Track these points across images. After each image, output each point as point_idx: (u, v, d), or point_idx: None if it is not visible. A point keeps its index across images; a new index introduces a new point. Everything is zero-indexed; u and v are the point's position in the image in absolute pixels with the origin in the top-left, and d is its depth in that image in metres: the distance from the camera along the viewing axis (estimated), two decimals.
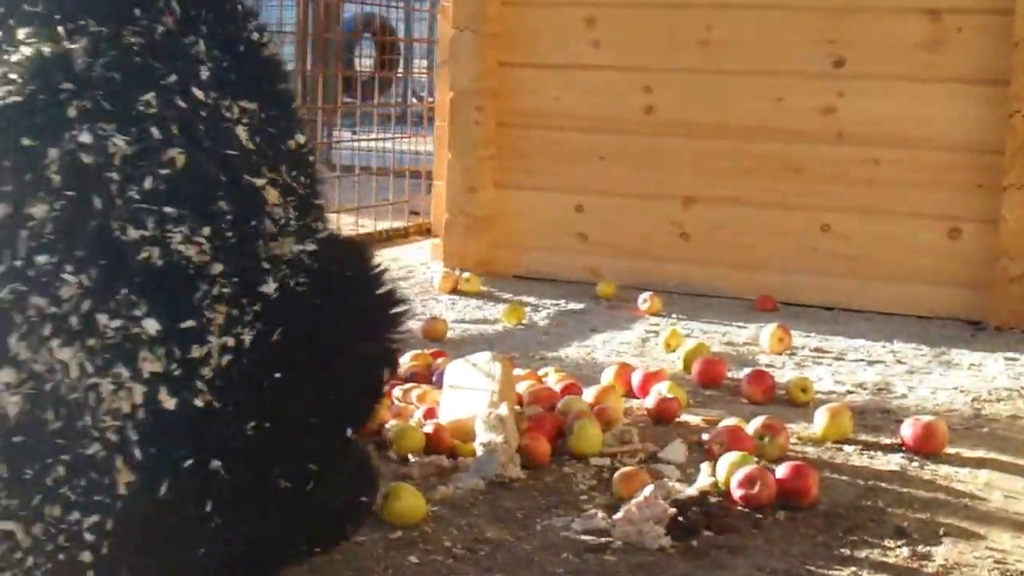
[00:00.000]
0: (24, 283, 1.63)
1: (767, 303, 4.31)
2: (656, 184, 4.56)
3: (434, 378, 3.13)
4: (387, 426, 2.77)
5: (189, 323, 1.69)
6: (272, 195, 1.85)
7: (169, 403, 1.66)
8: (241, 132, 1.87)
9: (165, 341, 1.67)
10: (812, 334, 3.95)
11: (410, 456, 2.65)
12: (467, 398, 2.78)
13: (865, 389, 3.38)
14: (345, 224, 4.82)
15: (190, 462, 1.68)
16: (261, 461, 1.77)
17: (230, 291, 1.73)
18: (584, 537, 2.29)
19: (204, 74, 1.87)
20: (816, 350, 3.79)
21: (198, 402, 1.69)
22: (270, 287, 1.77)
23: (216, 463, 1.70)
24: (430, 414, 2.85)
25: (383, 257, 5.01)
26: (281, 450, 1.78)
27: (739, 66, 4.44)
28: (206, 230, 1.73)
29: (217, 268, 1.72)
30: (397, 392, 3.03)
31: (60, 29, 1.82)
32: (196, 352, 1.69)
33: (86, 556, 1.65)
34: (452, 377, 2.86)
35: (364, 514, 2.20)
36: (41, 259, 1.64)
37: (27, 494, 1.62)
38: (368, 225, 5.01)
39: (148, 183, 1.71)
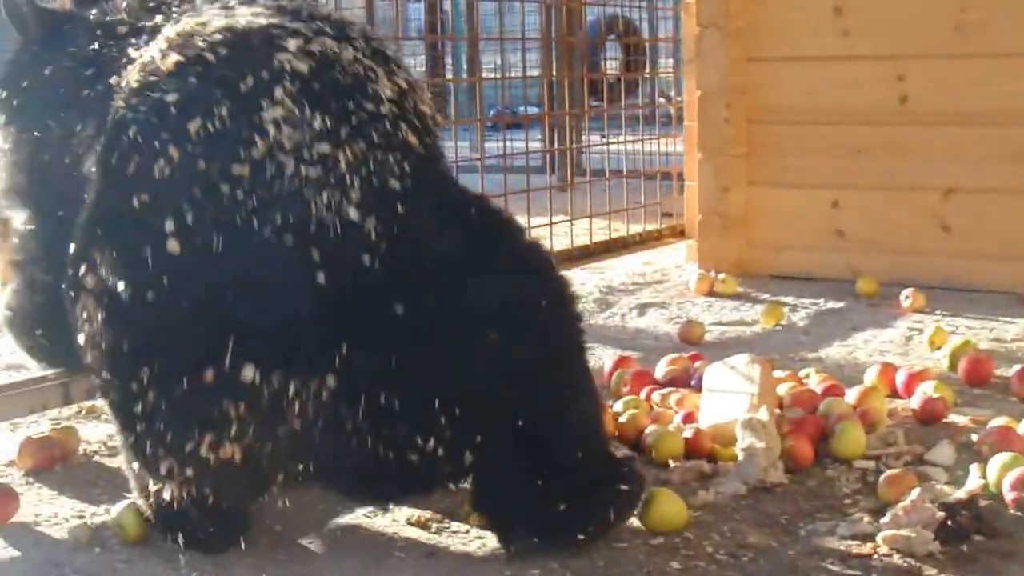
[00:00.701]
0: None
1: None
2: (914, 176, 4.43)
3: (692, 382, 3.13)
4: (646, 431, 2.78)
5: None
6: None
7: None
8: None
9: None
10: None
11: (670, 461, 2.66)
12: (726, 402, 2.77)
13: None
14: (597, 228, 4.84)
15: None
16: None
17: None
18: (849, 542, 2.26)
19: None
20: None
21: None
22: None
23: None
24: (689, 418, 2.85)
25: (638, 261, 5.02)
26: None
27: (996, 48, 4.27)
28: None
29: None
30: (656, 397, 3.04)
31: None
32: None
33: None
34: (711, 381, 2.86)
35: (629, 505, 2.25)
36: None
37: None
38: (620, 228, 5.02)
39: None
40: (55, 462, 2.77)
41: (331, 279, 2.05)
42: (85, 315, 2.15)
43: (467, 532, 2.37)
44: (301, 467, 2.14)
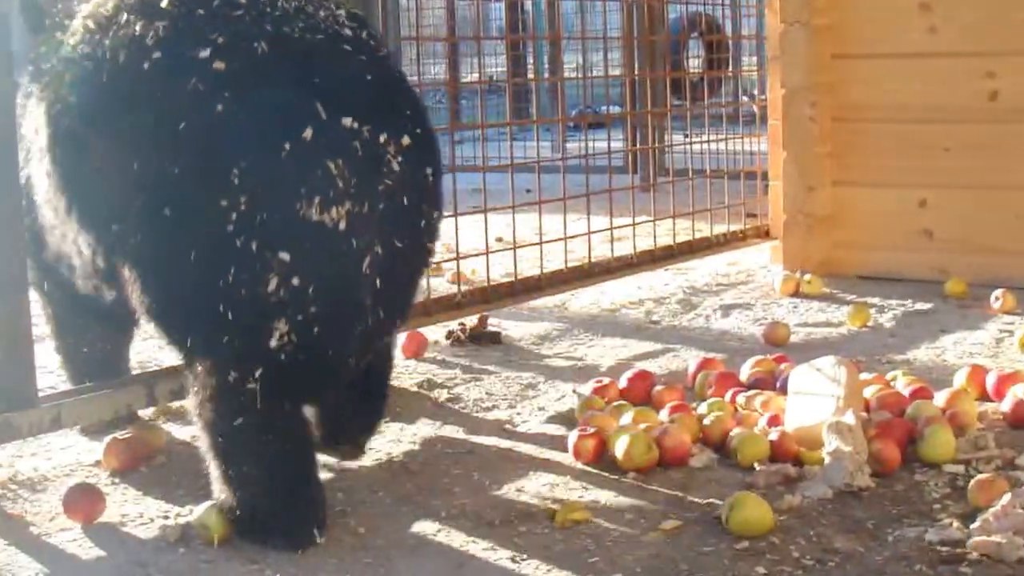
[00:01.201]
0: None
1: None
2: (1005, 174, 4.34)
3: (778, 384, 3.10)
4: (731, 434, 2.77)
5: None
6: None
7: None
8: None
9: None
10: None
11: (755, 464, 2.64)
12: (812, 404, 2.75)
13: None
14: (681, 229, 4.81)
15: None
16: None
17: None
18: (938, 548, 2.22)
19: None
20: None
21: None
22: None
23: None
24: (775, 421, 2.83)
25: (722, 262, 4.99)
26: None
27: None
28: None
29: None
30: (741, 399, 3.02)
31: None
32: None
33: None
34: (796, 383, 2.83)
35: None
36: None
37: None
38: (704, 229, 4.99)
39: None
40: (140, 462, 2.80)
41: None
42: None
43: (550, 534, 2.37)
44: None
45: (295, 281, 2.22)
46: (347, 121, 2.26)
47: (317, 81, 2.29)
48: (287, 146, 2.20)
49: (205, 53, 2.25)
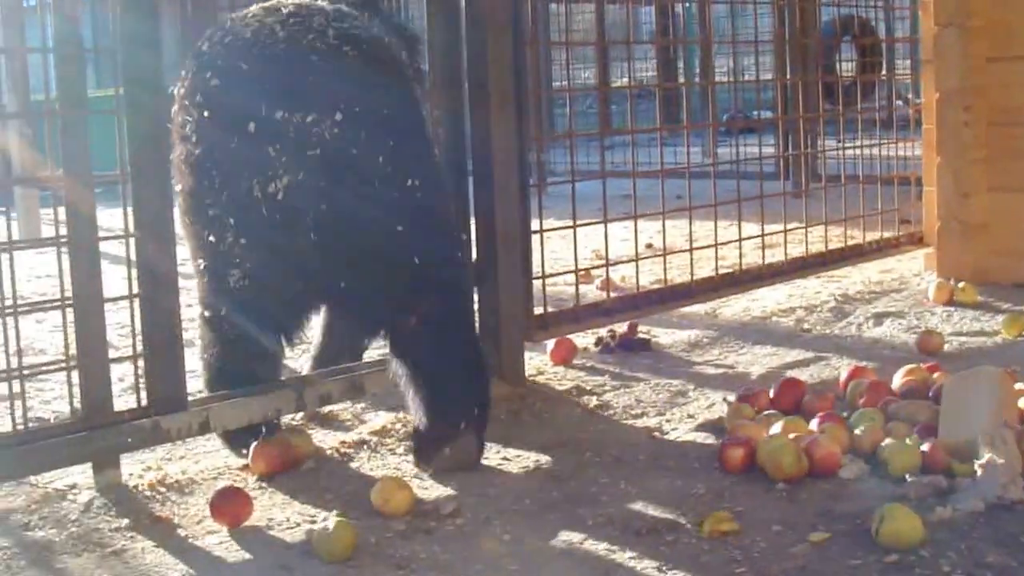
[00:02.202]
0: None
1: None
2: None
3: (931, 394, 3.06)
4: (882, 444, 2.74)
5: None
6: None
7: None
8: None
9: None
10: None
11: (906, 475, 2.61)
12: (965, 415, 2.71)
13: None
14: (833, 235, 4.76)
15: None
16: None
17: None
18: None
19: None
20: None
21: None
22: None
23: None
24: (927, 431, 2.78)
25: (875, 269, 4.92)
26: None
27: None
28: None
29: None
30: (893, 409, 2.97)
31: None
32: None
33: None
34: (950, 393, 2.80)
35: None
36: None
37: None
38: (857, 236, 4.92)
39: None
40: (288, 467, 2.83)
41: None
42: None
43: (697, 544, 2.36)
44: None
45: None
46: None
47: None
48: None
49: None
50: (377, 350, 3.24)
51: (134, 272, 2.74)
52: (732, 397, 3.19)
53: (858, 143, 5.23)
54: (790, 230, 4.60)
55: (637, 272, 4.07)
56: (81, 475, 2.78)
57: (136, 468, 2.84)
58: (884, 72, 7.66)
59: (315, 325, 3.28)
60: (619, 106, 11.21)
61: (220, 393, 2.90)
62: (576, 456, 2.90)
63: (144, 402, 2.75)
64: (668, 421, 3.16)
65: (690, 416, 3.18)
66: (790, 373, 3.47)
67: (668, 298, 4.12)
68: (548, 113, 8.90)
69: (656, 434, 3.05)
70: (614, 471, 2.79)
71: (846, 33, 9.00)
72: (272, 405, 2.92)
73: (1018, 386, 2.98)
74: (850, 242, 4.87)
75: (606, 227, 3.80)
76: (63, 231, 2.62)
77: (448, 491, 2.69)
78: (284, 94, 2.69)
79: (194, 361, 3.02)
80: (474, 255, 3.43)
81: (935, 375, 3.18)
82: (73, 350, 2.65)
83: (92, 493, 2.70)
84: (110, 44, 2.73)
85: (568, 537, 2.43)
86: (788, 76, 6.54)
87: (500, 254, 3.42)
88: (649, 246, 5.45)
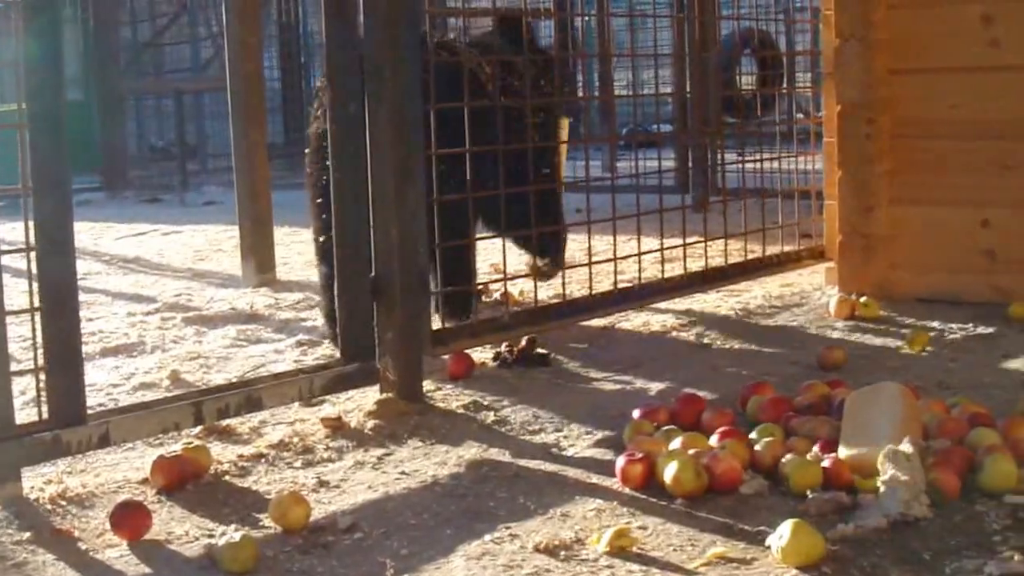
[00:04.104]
0: None
1: None
2: None
3: (832, 410, 3.02)
4: (783, 460, 2.70)
5: None
6: None
7: None
8: None
9: None
10: None
11: (807, 492, 2.56)
12: (868, 431, 2.69)
13: None
14: (733, 249, 4.74)
15: None
16: None
17: None
18: None
19: None
20: None
21: None
22: None
23: None
24: (828, 448, 2.75)
25: (776, 283, 4.91)
26: None
27: None
28: None
29: None
30: (794, 424, 2.94)
31: None
32: None
33: None
34: (852, 408, 2.78)
35: None
36: None
37: None
38: (757, 250, 4.90)
39: None
40: (187, 481, 2.83)
41: None
42: None
43: (595, 560, 2.31)
44: None
45: None
46: None
47: None
48: None
49: None
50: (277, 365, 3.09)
51: (35, 286, 2.77)
52: (631, 412, 3.13)
53: (758, 156, 5.22)
54: (690, 244, 4.57)
55: (536, 286, 4.02)
56: None
57: (37, 481, 2.83)
58: (785, 85, 7.69)
59: None
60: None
61: (119, 407, 3.01)
62: (474, 471, 2.87)
63: (45, 415, 2.80)
64: (566, 437, 3.11)
65: (588, 432, 3.13)
66: (689, 388, 3.43)
67: (567, 312, 4.09)
68: None
69: (554, 450, 3.01)
70: (512, 486, 2.75)
71: (746, 46, 9.04)
72: (171, 419, 2.98)
73: (921, 402, 2.96)
74: (750, 256, 4.85)
75: (504, 241, 3.76)
76: None
77: (346, 506, 2.67)
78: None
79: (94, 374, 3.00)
80: (372, 270, 3.42)
81: (836, 390, 3.15)
82: None
83: None
84: (12, 59, 2.74)
85: (466, 552, 2.38)
86: (688, 90, 6.52)
87: (398, 268, 3.41)
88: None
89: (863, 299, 4.35)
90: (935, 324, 4.14)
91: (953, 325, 4.13)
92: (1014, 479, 2.55)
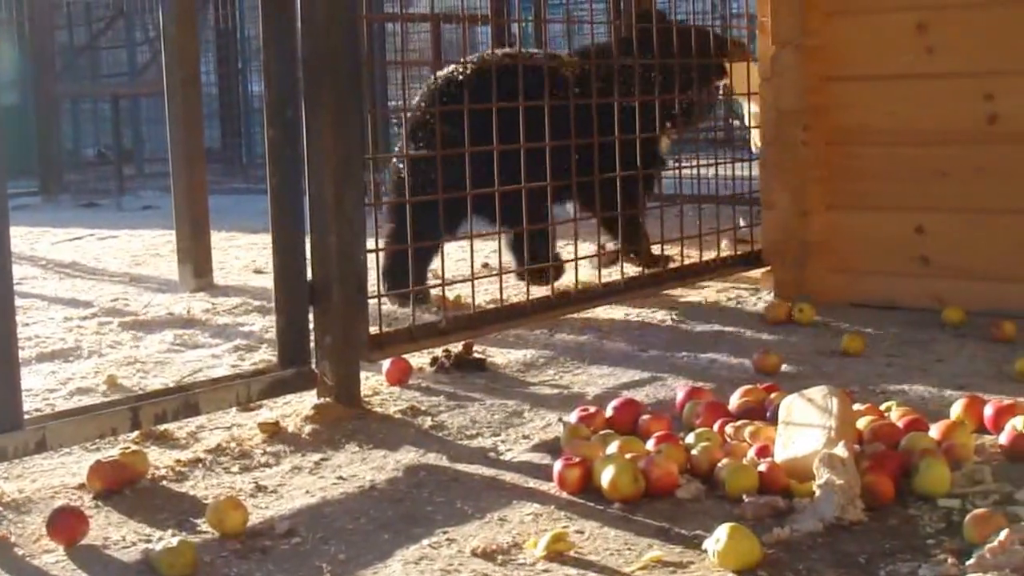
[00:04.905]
0: None
1: None
2: (1004, 199, 4.27)
3: (768, 414, 3.03)
4: (719, 465, 2.70)
5: None
6: None
7: None
8: None
9: None
10: None
11: (743, 496, 2.56)
12: (803, 435, 2.68)
13: None
14: (670, 255, 4.75)
15: None
16: None
17: None
18: None
19: None
20: None
21: None
22: None
23: None
24: (764, 452, 2.76)
25: (712, 289, 4.92)
26: None
27: None
28: None
29: None
30: (729, 429, 2.96)
31: None
32: None
33: None
34: (787, 413, 2.78)
35: None
36: None
37: None
38: (694, 255, 4.92)
39: None
40: (124, 486, 2.81)
41: None
42: None
43: (533, 565, 2.30)
44: None
45: None
46: None
47: None
48: None
49: None
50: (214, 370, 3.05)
51: None
52: (568, 417, 3.13)
53: (694, 162, 5.24)
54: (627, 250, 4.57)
55: (473, 291, 4.02)
56: None
57: None
58: (721, 92, 7.70)
59: None
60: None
61: (56, 412, 3.00)
62: (411, 476, 2.85)
63: None
64: (503, 442, 3.09)
65: (525, 436, 3.12)
66: (626, 393, 3.42)
67: (504, 317, 4.07)
68: (384, 132, 8.85)
69: (492, 454, 3.00)
70: (449, 491, 2.73)
71: None
72: (108, 424, 2.96)
73: (856, 406, 2.98)
74: (687, 262, 4.86)
75: (442, 246, 3.74)
76: None
77: (283, 511, 2.65)
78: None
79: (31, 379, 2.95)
80: (309, 274, 3.40)
81: (772, 395, 3.16)
82: None
83: None
84: None
85: (404, 556, 2.37)
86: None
87: (335, 273, 3.39)
88: (485, 265, 5.41)
89: (799, 304, 4.37)
90: (870, 329, 4.17)
91: (888, 330, 4.15)
92: (948, 483, 2.57)
